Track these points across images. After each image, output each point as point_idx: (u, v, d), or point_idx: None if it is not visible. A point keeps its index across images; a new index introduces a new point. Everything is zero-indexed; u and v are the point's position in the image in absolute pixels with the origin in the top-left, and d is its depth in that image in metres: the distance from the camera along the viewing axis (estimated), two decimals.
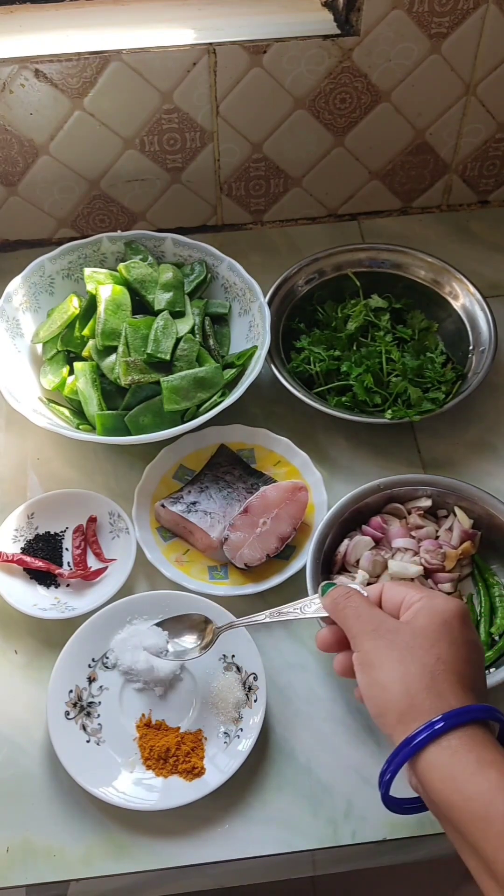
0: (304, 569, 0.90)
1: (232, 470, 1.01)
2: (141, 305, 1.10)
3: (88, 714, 0.85)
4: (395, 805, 0.62)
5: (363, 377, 1.05)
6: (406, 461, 1.05)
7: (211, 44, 1.07)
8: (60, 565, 0.95)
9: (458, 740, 0.56)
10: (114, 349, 1.04)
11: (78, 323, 1.08)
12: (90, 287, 1.08)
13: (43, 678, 0.87)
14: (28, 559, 0.94)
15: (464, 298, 1.14)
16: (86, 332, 1.07)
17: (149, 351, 1.02)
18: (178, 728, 0.84)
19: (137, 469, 1.01)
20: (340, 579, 0.89)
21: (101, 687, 0.86)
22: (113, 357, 1.04)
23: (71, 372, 1.06)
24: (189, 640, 0.83)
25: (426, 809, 0.61)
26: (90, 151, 1.17)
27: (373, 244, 1.20)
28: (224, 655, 0.87)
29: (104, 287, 1.07)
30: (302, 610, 0.72)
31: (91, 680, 0.87)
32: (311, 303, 1.17)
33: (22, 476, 1.04)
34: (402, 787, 0.61)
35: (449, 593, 0.91)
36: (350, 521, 0.95)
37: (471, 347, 1.10)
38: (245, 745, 0.82)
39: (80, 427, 1.02)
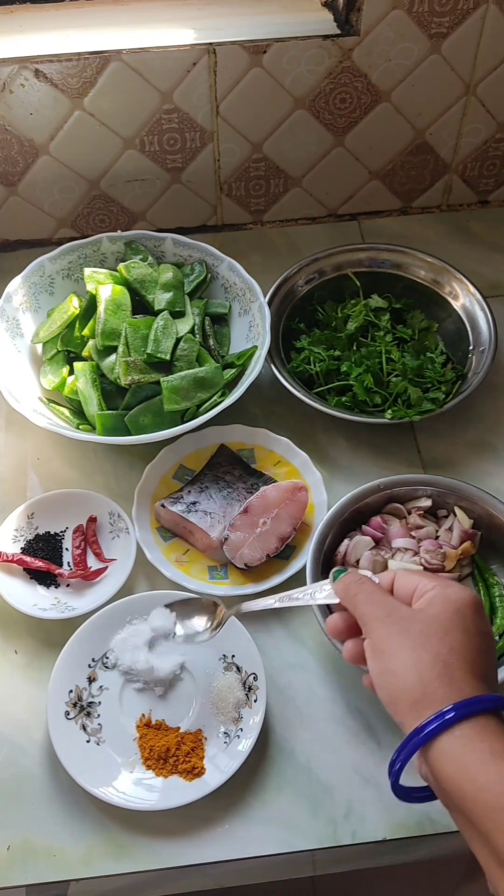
0: (304, 569, 0.90)
1: (232, 470, 1.01)
2: (141, 305, 1.10)
3: (88, 714, 0.85)
4: (405, 794, 0.62)
5: (363, 377, 1.05)
6: (406, 461, 1.05)
7: (211, 44, 1.07)
8: (60, 565, 0.95)
9: (470, 730, 0.56)
10: (114, 349, 1.04)
11: (78, 323, 1.08)
12: (90, 287, 1.08)
13: (43, 678, 0.87)
14: (28, 559, 0.94)
15: (464, 298, 1.14)
16: (86, 332, 1.07)
17: (149, 351, 1.02)
18: (178, 728, 0.84)
19: (137, 469, 1.01)
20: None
21: (101, 687, 0.86)
22: (113, 357, 1.04)
23: (71, 372, 1.06)
24: (199, 623, 0.82)
25: (435, 798, 0.60)
26: (90, 151, 1.17)
27: (373, 244, 1.20)
28: (224, 655, 0.87)
29: (104, 287, 1.07)
30: (312, 595, 0.70)
31: (91, 680, 0.87)
32: (311, 303, 1.17)
33: (22, 476, 1.04)
34: (409, 778, 0.61)
35: None
36: (350, 521, 0.95)
37: (471, 347, 1.10)
38: (245, 745, 0.82)
39: (80, 427, 1.02)
